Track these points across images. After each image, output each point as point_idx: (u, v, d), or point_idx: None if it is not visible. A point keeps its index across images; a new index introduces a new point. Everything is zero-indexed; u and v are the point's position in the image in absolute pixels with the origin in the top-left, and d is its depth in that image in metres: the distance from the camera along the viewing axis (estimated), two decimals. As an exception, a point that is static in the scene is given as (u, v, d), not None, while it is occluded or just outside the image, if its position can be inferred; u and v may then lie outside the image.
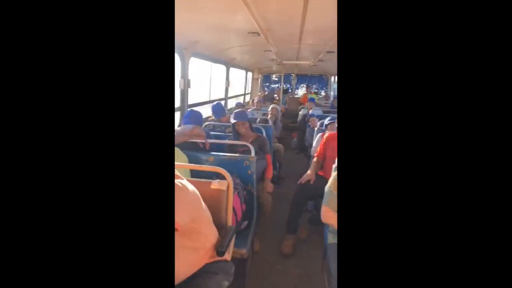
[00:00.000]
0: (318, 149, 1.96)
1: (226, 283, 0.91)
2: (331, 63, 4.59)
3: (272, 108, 3.66)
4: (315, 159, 1.93)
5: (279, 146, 2.94)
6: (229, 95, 4.18)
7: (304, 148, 3.56)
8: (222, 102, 3.48)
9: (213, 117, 2.74)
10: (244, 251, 1.31)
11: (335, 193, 1.26)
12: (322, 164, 1.91)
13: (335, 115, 2.04)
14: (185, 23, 1.81)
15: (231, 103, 4.08)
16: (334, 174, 1.32)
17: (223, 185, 1.10)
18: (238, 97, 5.11)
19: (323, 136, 2.03)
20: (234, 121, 1.95)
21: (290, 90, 7.09)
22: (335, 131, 1.99)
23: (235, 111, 2.05)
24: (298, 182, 1.79)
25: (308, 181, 1.76)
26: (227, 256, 1.01)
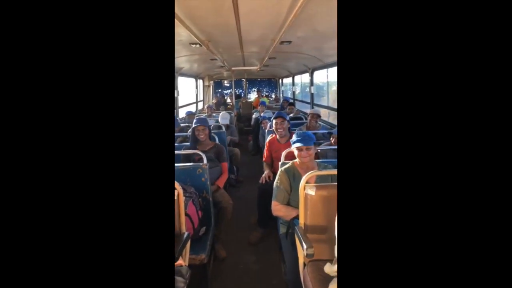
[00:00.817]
0: (265, 153, 2.14)
1: (182, 285, 0.95)
2: (277, 67, 4.86)
3: (222, 114, 3.72)
4: (264, 162, 2.12)
5: (235, 150, 3.02)
6: (180, 104, 4.14)
7: (260, 150, 3.70)
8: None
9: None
10: (203, 256, 1.35)
11: (281, 187, 1.40)
12: (272, 165, 2.08)
13: None
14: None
15: (183, 113, 4.04)
16: (279, 170, 1.46)
17: (173, 194, 1.14)
18: (190, 105, 5.06)
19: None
20: (195, 125, 1.94)
21: (242, 95, 7.25)
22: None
23: (197, 117, 2.07)
24: (260, 181, 1.93)
25: (269, 178, 1.91)
26: (182, 261, 1.05)
